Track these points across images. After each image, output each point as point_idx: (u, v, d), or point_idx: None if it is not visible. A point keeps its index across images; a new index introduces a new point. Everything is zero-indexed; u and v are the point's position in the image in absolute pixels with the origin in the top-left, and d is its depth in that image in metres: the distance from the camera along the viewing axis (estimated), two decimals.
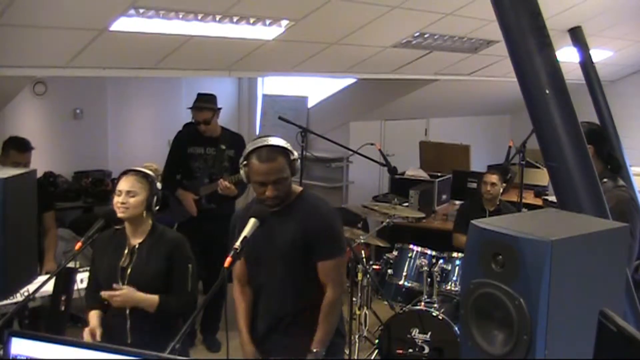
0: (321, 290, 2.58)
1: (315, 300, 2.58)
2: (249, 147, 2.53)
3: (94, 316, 2.82)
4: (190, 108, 4.70)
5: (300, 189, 2.65)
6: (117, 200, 2.72)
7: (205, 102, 4.67)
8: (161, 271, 2.74)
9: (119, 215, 2.72)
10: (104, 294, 2.68)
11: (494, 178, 5.05)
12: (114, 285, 2.69)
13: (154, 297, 2.71)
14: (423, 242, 4.78)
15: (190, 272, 2.79)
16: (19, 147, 4.14)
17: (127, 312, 2.73)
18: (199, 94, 4.74)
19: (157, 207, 2.82)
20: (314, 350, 2.52)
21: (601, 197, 2.35)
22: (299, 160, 2.57)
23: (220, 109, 4.76)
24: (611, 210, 2.78)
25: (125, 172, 2.80)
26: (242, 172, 2.56)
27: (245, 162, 2.53)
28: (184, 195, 4.62)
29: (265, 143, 2.51)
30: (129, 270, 2.73)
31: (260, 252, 2.55)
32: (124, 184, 2.74)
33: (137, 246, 2.77)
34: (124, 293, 2.67)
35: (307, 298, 2.58)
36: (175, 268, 2.77)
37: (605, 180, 3.11)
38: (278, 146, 2.52)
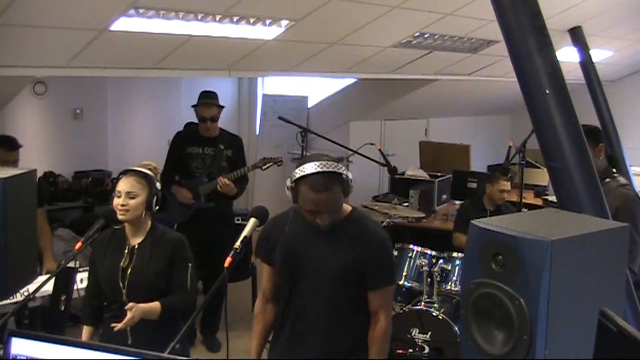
0: (361, 319, 2.45)
1: (354, 328, 2.45)
2: (301, 172, 2.28)
3: (85, 333, 2.83)
4: (196, 106, 4.68)
5: (350, 208, 2.47)
6: (117, 202, 2.71)
7: (213, 99, 4.67)
8: (163, 271, 2.73)
9: (119, 218, 2.71)
10: (118, 327, 2.57)
11: (508, 185, 5.06)
12: (126, 307, 2.59)
13: (156, 305, 2.66)
14: (423, 242, 4.77)
15: (190, 271, 2.77)
16: (8, 145, 4.12)
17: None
18: (203, 92, 4.73)
19: (157, 207, 2.81)
20: None
21: (601, 197, 2.35)
22: (353, 180, 2.37)
23: (223, 107, 4.77)
24: (618, 208, 2.78)
25: (124, 172, 2.78)
26: (288, 193, 2.36)
27: (293, 186, 2.32)
28: (177, 190, 4.63)
29: (320, 170, 2.25)
30: (129, 271, 2.72)
31: (305, 269, 2.41)
32: (123, 185, 2.72)
33: (136, 246, 2.76)
34: (132, 312, 2.58)
35: (348, 325, 2.44)
36: (176, 268, 2.76)
37: (608, 180, 3.12)
38: (334, 173, 2.28)
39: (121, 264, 2.73)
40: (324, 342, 2.43)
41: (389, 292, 2.47)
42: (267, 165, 4.59)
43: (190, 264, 2.79)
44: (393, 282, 2.51)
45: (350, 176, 2.35)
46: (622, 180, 3.24)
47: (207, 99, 4.65)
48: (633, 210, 3.07)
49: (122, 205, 2.69)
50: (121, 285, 2.71)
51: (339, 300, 2.40)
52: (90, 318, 2.85)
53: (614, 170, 3.27)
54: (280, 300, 2.54)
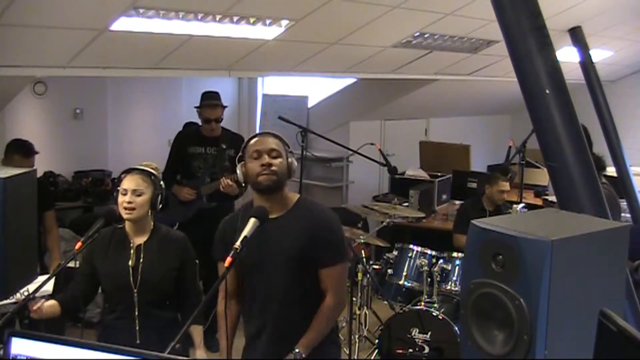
0: (322, 301, 2.51)
1: (309, 316, 2.49)
2: (247, 141, 2.56)
3: (50, 304, 2.65)
4: (199, 107, 4.67)
5: (298, 195, 2.57)
6: (122, 199, 2.68)
7: (217, 99, 4.67)
8: (172, 270, 2.75)
9: (125, 217, 2.69)
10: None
11: (508, 185, 5.07)
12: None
13: (198, 330, 2.84)
14: (423, 242, 4.78)
15: (197, 269, 2.86)
16: (23, 151, 4.07)
17: (136, 313, 2.72)
18: (206, 92, 4.73)
19: (161, 206, 2.81)
20: (295, 350, 2.40)
21: (601, 197, 2.35)
22: (293, 164, 2.52)
23: (226, 106, 4.77)
24: None
25: (129, 171, 2.76)
26: (238, 170, 2.52)
27: (242, 159, 2.52)
28: (179, 189, 4.63)
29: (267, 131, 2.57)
30: (139, 270, 2.71)
31: (261, 258, 2.48)
32: (129, 183, 2.70)
33: (142, 245, 2.75)
34: None
35: (308, 306, 2.50)
36: (187, 269, 2.80)
37: None
38: (280, 137, 2.52)
39: (129, 263, 2.72)
40: (278, 331, 2.50)
41: (338, 270, 2.49)
42: None
43: (197, 261, 2.87)
44: (342, 261, 2.52)
45: (292, 158, 2.50)
46: (602, 178, 3.27)
47: (212, 99, 4.65)
48: (611, 209, 3.10)
49: (129, 202, 2.67)
50: (132, 285, 2.70)
51: (295, 283, 2.47)
52: (62, 300, 2.71)
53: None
54: (246, 294, 2.60)
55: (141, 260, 2.72)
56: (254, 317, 2.58)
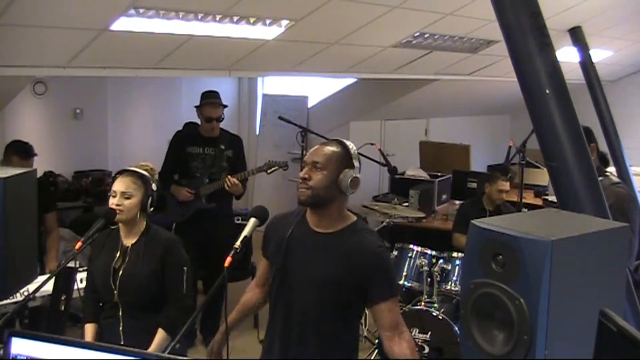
0: (348, 335, 2.42)
1: (341, 342, 2.39)
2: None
3: (89, 331, 2.80)
4: (199, 106, 4.64)
5: (355, 218, 2.43)
6: (112, 202, 2.70)
7: (218, 98, 4.65)
8: (154, 273, 2.70)
9: (115, 218, 2.71)
10: None
11: (507, 185, 5.06)
12: None
13: (161, 337, 2.68)
14: (423, 242, 4.77)
15: (185, 274, 2.73)
16: (22, 153, 4.04)
17: (120, 313, 2.72)
18: (207, 92, 4.70)
19: (152, 208, 2.79)
20: None
21: (601, 197, 2.35)
22: (345, 179, 2.30)
23: (226, 106, 4.76)
24: (611, 207, 2.80)
25: (120, 172, 2.77)
26: None
27: None
28: (177, 189, 4.62)
29: (339, 139, 2.41)
30: (120, 272, 2.71)
31: (297, 274, 2.35)
32: (119, 185, 2.71)
33: (129, 247, 2.75)
34: None
35: (335, 337, 2.37)
36: (170, 272, 2.71)
37: (600, 178, 3.15)
38: (345, 146, 2.36)
39: (113, 264, 2.73)
40: (301, 350, 2.37)
41: (396, 303, 2.40)
42: (273, 169, 4.54)
43: (185, 267, 2.75)
44: (398, 294, 2.43)
45: (352, 170, 2.32)
46: (614, 178, 3.27)
47: (213, 98, 4.63)
48: (626, 208, 3.10)
49: (117, 205, 2.68)
50: (113, 286, 2.70)
51: (325, 310, 2.34)
52: (93, 315, 2.84)
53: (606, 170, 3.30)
54: (270, 297, 2.50)
55: (126, 261, 2.72)
56: (272, 325, 2.47)
